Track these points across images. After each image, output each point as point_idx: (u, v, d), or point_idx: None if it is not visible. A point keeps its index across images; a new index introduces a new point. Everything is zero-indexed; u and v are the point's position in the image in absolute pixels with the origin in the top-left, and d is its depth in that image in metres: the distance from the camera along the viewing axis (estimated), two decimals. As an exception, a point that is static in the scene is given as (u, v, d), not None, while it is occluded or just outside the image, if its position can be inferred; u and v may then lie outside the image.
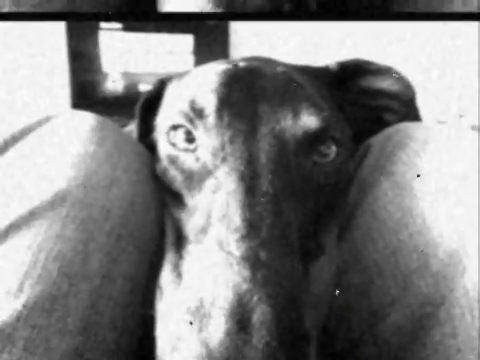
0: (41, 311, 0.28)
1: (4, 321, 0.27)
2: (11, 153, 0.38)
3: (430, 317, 0.32)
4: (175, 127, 0.42)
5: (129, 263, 0.35)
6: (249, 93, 0.41)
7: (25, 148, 0.38)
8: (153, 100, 0.52)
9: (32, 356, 0.27)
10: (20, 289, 0.29)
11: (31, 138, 0.39)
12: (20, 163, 0.37)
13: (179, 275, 0.35)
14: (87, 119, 0.42)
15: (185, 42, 1.87)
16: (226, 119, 0.39)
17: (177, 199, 0.40)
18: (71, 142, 0.38)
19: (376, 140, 0.45)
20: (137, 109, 0.53)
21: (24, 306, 0.28)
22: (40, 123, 0.41)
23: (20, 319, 0.28)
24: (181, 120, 0.41)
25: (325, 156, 0.41)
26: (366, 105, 0.54)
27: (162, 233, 0.40)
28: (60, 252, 0.31)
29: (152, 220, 0.39)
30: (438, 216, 0.35)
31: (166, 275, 0.36)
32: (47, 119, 0.41)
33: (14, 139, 0.39)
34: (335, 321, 0.38)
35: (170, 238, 0.39)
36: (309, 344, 0.29)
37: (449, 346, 0.30)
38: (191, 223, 0.37)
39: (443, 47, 2.06)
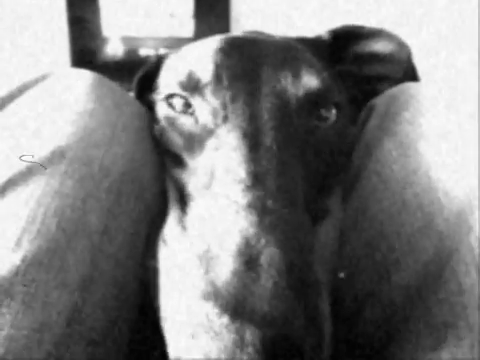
0: (39, 266, 0.28)
1: (2, 276, 0.27)
2: (9, 110, 0.37)
3: (435, 276, 0.31)
4: (172, 95, 0.42)
5: (129, 221, 0.35)
6: (249, 57, 0.41)
7: (23, 105, 0.37)
8: (150, 76, 0.51)
9: (31, 310, 0.27)
10: (18, 244, 0.29)
11: (29, 95, 0.38)
12: (18, 120, 0.36)
13: (184, 228, 0.34)
14: (85, 77, 0.41)
15: (186, 5, 1.83)
16: (225, 81, 0.39)
17: (177, 160, 0.40)
18: (69, 99, 0.38)
19: (380, 101, 0.45)
20: (134, 84, 0.52)
21: (22, 261, 0.28)
22: (37, 80, 0.40)
23: (18, 274, 0.28)
24: (178, 90, 0.41)
25: (325, 120, 0.42)
26: (361, 76, 0.54)
27: (162, 193, 0.40)
28: (58, 208, 0.31)
29: (152, 179, 0.39)
30: (443, 175, 0.35)
31: (170, 228, 0.36)
32: (45, 76, 0.41)
33: (11, 96, 0.38)
34: (340, 284, 0.38)
35: (173, 196, 0.38)
36: (319, 289, 0.29)
37: (455, 303, 0.30)
38: (193, 182, 0.37)
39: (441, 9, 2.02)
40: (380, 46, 0.52)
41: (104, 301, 0.31)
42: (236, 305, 0.25)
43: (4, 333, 0.26)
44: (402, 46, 0.52)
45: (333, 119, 0.42)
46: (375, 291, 0.35)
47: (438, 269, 0.32)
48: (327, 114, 0.42)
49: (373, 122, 0.43)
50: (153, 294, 0.34)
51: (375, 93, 0.49)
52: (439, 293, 0.31)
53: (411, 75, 0.53)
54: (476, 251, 0.30)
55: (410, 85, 0.44)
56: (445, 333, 0.29)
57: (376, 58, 0.53)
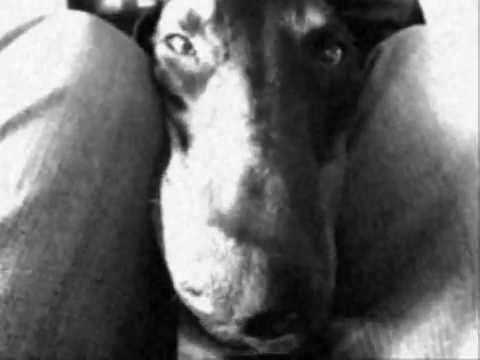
0: (42, 207, 0.28)
1: (5, 216, 0.27)
2: (5, 52, 0.36)
3: (440, 218, 0.31)
4: (172, 36, 0.41)
5: (131, 164, 0.34)
6: None
7: (20, 47, 0.36)
8: (151, 21, 0.49)
9: (34, 250, 0.27)
10: (20, 185, 0.28)
11: (25, 37, 0.37)
12: (14, 62, 0.35)
13: (187, 166, 0.34)
14: (82, 18, 0.39)
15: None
16: (227, 18, 0.38)
17: (178, 102, 0.39)
18: (67, 41, 0.36)
19: (387, 44, 0.44)
20: (134, 30, 0.50)
21: (25, 202, 0.28)
22: (33, 23, 0.39)
23: (21, 214, 0.27)
24: (178, 30, 0.40)
25: (330, 61, 0.41)
26: (366, 22, 0.52)
27: (164, 136, 0.39)
28: (59, 150, 0.30)
29: (153, 122, 0.38)
30: (450, 119, 0.34)
31: (173, 168, 0.36)
32: (41, 18, 0.39)
33: (7, 39, 0.37)
34: (343, 228, 0.38)
35: (175, 139, 0.38)
36: (322, 220, 0.29)
37: (459, 245, 0.30)
38: (195, 121, 0.36)
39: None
40: None
41: (109, 242, 0.31)
42: (241, 229, 0.25)
43: (9, 272, 0.26)
44: None
45: (338, 59, 0.41)
46: (379, 234, 0.35)
47: (443, 212, 0.31)
48: (332, 55, 0.41)
49: (380, 66, 0.42)
50: (158, 234, 0.34)
51: (381, 39, 0.48)
52: (443, 235, 0.31)
53: (417, 19, 0.51)
54: None
55: (418, 28, 0.43)
56: (449, 274, 0.29)
57: (380, 2, 0.52)
